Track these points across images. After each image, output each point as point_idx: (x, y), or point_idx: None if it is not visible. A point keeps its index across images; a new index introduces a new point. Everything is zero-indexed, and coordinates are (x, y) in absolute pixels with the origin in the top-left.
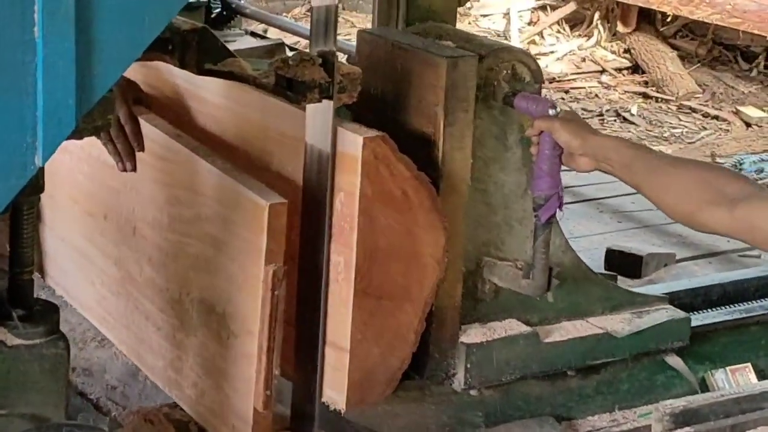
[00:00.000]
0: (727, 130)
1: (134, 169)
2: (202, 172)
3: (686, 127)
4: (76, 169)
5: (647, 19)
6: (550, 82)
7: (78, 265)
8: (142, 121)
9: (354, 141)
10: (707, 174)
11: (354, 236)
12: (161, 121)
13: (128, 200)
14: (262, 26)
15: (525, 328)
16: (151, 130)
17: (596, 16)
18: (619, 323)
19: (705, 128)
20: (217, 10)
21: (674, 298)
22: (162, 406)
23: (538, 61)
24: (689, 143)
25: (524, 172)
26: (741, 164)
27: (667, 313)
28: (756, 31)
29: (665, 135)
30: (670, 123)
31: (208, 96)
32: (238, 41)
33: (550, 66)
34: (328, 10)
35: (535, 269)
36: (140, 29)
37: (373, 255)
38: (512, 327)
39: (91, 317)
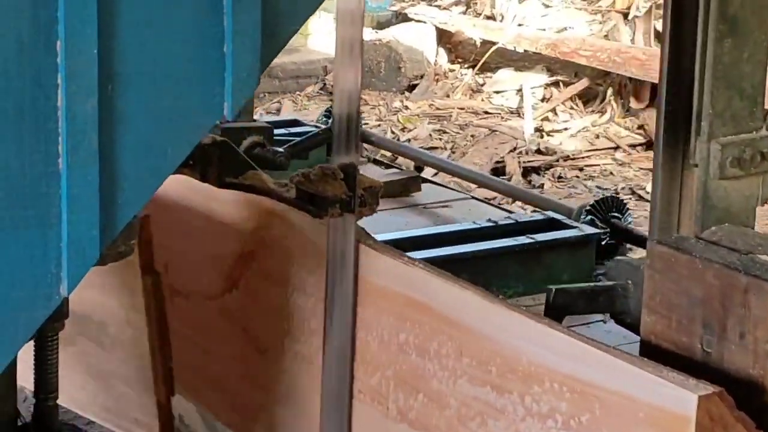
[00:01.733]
0: None
1: None
2: None
3: None
4: None
5: None
6: (564, 160)
7: None
8: None
9: (683, 398)
10: None
11: None
12: None
13: None
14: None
15: None
16: None
17: (609, 92)
18: None
19: None
20: None
21: None
22: None
23: (551, 137)
24: None
25: None
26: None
27: None
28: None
29: None
30: None
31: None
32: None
33: (564, 143)
34: (350, 118)
35: None
36: (163, 159)
37: None
38: None
39: None
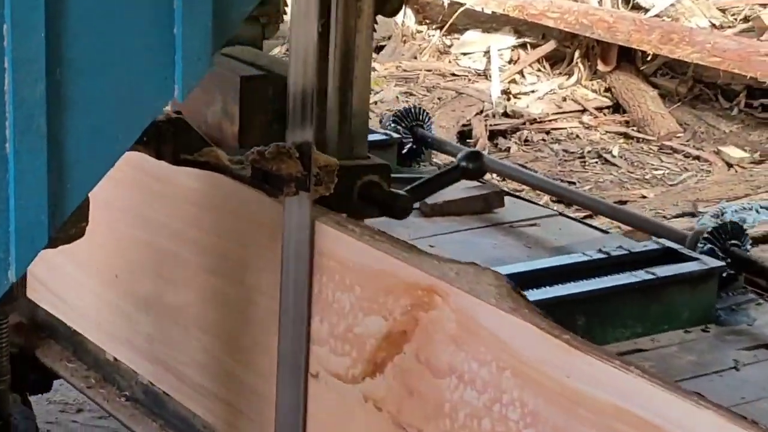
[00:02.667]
0: (709, 171)
1: None
2: None
3: (668, 168)
4: None
5: (628, 58)
6: (531, 123)
7: None
8: None
9: None
10: None
11: None
12: None
13: None
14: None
15: None
16: None
17: (576, 54)
18: None
19: (686, 169)
20: (409, 145)
21: None
22: None
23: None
24: (671, 185)
25: None
26: (723, 213)
27: None
28: (736, 70)
29: (647, 177)
30: (652, 164)
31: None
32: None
33: (531, 106)
34: (305, 95)
35: None
36: (113, 143)
37: None
38: None
39: None
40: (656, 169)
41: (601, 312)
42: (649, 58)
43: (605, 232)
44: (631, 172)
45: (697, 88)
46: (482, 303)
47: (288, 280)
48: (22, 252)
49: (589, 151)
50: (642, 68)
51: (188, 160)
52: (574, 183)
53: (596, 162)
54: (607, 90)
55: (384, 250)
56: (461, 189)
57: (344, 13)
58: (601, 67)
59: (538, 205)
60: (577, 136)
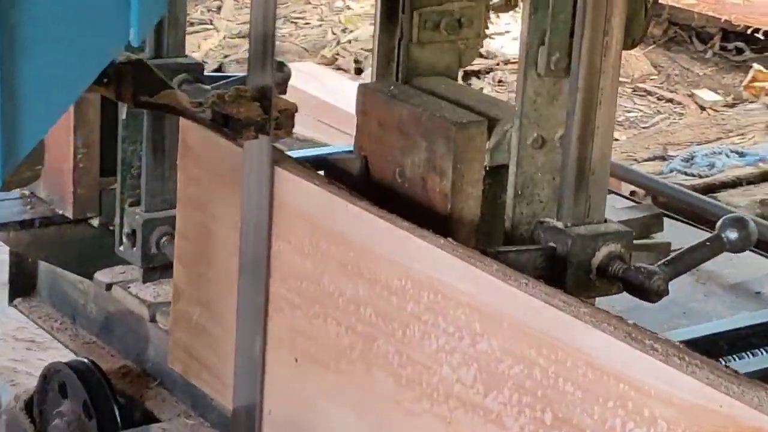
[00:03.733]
0: (682, 114)
1: None
2: None
3: (641, 110)
4: None
5: None
6: (505, 64)
7: None
8: None
9: None
10: None
11: None
12: None
13: None
14: None
15: None
16: None
17: None
18: None
19: (659, 112)
20: None
21: None
22: None
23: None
24: (643, 128)
25: None
26: (693, 158)
27: None
28: (711, 13)
29: (620, 119)
30: (625, 106)
31: None
32: None
33: (505, 47)
34: (266, 39)
35: None
36: (67, 87)
37: None
38: None
39: None
40: (629, 111)
41: None
42: None
43: None
44: None
45: (672, 30)
46: None
47: (248, 224)
48: None
49: None
50: None
51: (148, 102)
52: None
53: None
54: None
55: (694, 375)
56: (613, 210)
57: (589, 49)
58: None
59: (697, 227)
60: None
